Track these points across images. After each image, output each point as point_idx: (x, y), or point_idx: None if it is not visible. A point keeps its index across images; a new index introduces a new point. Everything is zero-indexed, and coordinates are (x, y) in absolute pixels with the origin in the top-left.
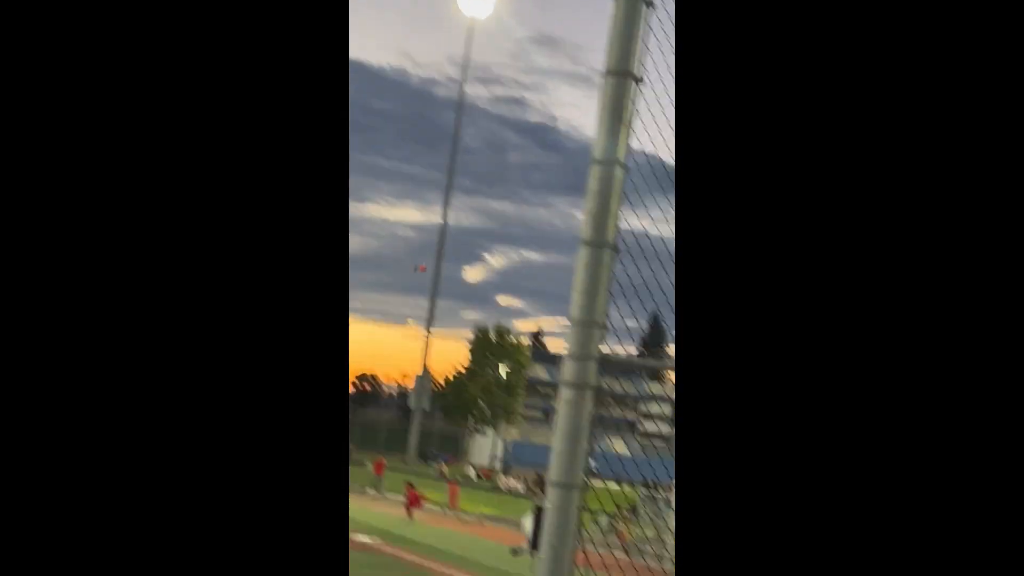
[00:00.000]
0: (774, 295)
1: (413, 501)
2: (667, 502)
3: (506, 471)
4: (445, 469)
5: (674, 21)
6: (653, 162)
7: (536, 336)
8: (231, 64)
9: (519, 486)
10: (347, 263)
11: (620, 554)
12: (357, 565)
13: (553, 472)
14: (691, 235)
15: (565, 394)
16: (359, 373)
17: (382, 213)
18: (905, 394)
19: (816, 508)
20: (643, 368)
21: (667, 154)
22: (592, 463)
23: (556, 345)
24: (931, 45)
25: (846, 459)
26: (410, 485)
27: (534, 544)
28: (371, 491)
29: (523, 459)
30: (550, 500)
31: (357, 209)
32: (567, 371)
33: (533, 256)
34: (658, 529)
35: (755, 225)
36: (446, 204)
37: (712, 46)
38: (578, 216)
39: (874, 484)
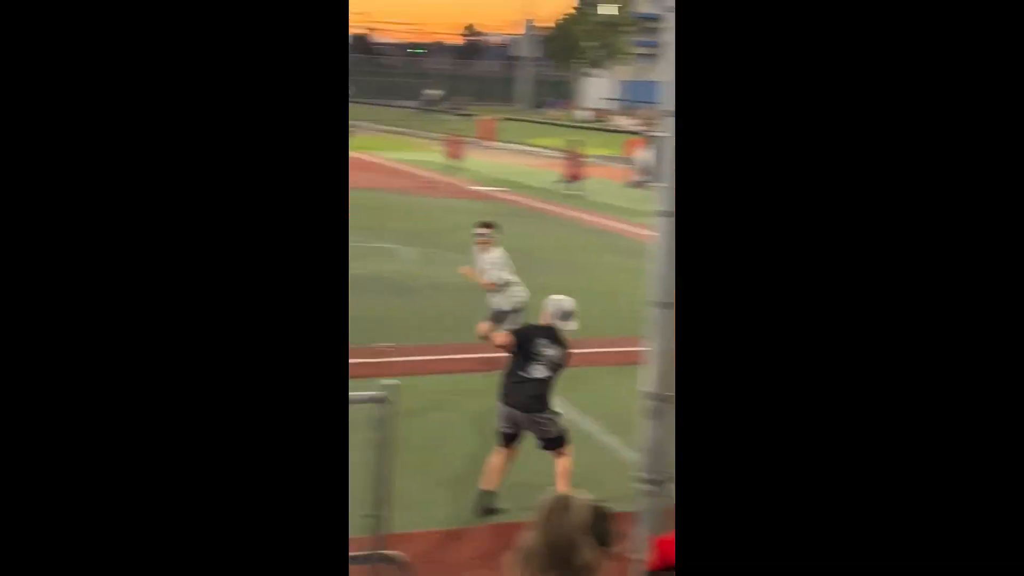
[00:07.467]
0: (772, 286)
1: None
2: None
3: (620, 111)
4: (557, 115)
5: None
6: None
7: None
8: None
9: (633, 124)
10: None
11: None
12: (479, 214)
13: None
14: (691, 237)
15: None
16: (463, 25)
17: None
18: (905, 367)
19: (817, 511)
20: None
21: None
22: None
23: None
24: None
25: (849, 446)
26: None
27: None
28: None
29: (636, 96)
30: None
31: None
32: None
33: None
34: None
35: (756, 208)
36: None
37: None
38: None
39: (879, 477)
